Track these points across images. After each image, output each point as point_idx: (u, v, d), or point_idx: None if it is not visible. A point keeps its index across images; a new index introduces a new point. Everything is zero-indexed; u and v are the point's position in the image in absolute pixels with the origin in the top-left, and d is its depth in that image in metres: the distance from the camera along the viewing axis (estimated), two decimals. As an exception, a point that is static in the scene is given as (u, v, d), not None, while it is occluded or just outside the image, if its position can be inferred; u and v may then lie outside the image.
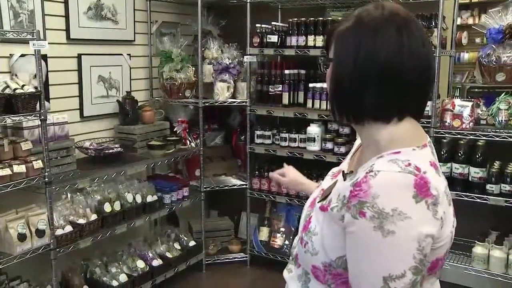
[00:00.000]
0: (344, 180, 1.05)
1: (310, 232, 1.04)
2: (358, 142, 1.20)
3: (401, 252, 0.88)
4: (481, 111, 2.85)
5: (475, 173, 2.79)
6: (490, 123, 2.80)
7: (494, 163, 2.81)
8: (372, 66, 0.94)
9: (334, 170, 1.23)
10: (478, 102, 2.86)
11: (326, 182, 1.18)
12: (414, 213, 0.88)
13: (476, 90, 2.95)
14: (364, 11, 0.98)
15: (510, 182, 2.72)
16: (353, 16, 0.99)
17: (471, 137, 2.77)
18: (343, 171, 1.08)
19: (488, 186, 2.76)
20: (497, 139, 2.68)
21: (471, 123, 2.77)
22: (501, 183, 2.74)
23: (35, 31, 2.37)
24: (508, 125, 2.73)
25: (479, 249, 2.86)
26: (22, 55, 2.66)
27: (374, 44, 0.94)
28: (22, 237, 2.38)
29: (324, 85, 3.25)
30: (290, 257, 1.19)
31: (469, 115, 2.76)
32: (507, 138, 2.66)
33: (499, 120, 2.75)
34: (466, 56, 4.62)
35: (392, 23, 0.95)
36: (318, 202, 1.07)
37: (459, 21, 3.71)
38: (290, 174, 1.57)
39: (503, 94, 2.79)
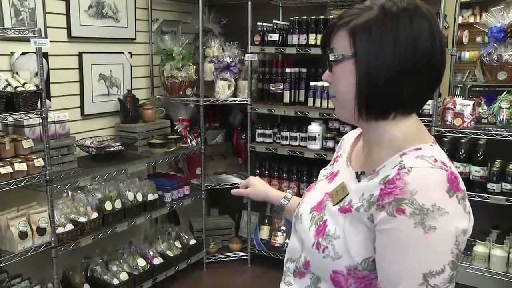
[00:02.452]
0: (359, 181, 1.02)
1: (329, 236, 1.00)
2: (347, 144, 1.18)
3: (441, 248, 0.88)
4: (482, 109, 2.85)
5: (476, 172, 2.78)
6: (491, 122, 2.80)
7: (495, 162, 2.81)
8: (412, 56, 0.93)
9: (324, 172, 1.21)
10: (479, 101, 2.86)
11: (322, 185, 1.15)
12: (450, 208, 0.89)
13: (477, 88, 2.95)
14: (387, 2, 0.95)
15: (511, 181, 2.71)
16: (374, 8, 0.95)
17: (472, 135, 2.77)
18: (356, 172, 1.05)
19: (489, 185, 2.76)
20: (498, 137, 2.68)
21: (472, 122, 2.76)
22: (502, 182, 2.74)
23: (36, 29, 2.37)
24: (509, 124, 2.73)
25: (480, 248, 2.85)
26: (23, 53, 2.66)
27: (412, 34, 0.93)
28: (23, 235, 2.38)
29: (326, 83, 3.25)
30: (285, 270, 1.15)
31: (470, 114, 2.75)
32: (508, 137, 2.66)
33: (500, 119, 2.75)
34: (467, 54, 4.61)
35: (421, 14, 0.95)
36: (334, 205, 1.03)
37: (460, 20, 3.70)
38: (255, 185, 1.48)
39: (504, 92, 2.79)
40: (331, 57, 0.99)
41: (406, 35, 0.93)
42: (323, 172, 1.23)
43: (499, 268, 2.80)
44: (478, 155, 2.79)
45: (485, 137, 2.73)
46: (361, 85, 0.96)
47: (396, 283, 0.90)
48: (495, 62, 2.76)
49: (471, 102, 2.77)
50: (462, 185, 0.92)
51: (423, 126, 1.03)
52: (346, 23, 0.96)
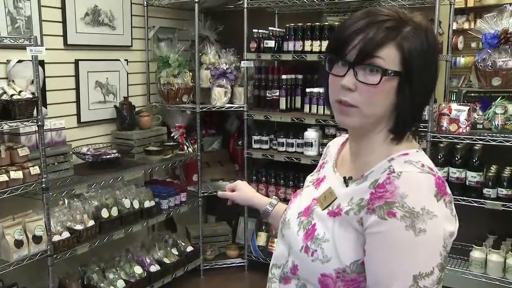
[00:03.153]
0: (347, 185, 1.04)
1: (318, 240, 1.01)
2: (333, 150, 1.20)
3: (431, 250, 0.91)
4: (478, 115, 2.86)
5: (472, 177, 2.79)
6: (487, 127, 2.81)
7: (491, 167, 2.82)
8: (436, 75, 1.01)
9: (311, 179, 1.22)
10: (475, 107, 2.87)
11: (309, 191, 1.16)
12: (439, 211, 0.91)
13: (472, 94, 2.96)
14: (427, 27, 0.99)
15: (506, 186, 2.72)
16: (420, 30, 0.97)
17: (468, 141, 2.78)
18: (344, 177, 1.07)
19: (485, 190, 2.77)
20: (494, 143, 2.69)
21: (467, 127, 2.78)
22: (498, 187, 2.75)
23: (32, 37, 2.37)
24: (504, 129, 2.74)
25: (476, 253, 2.86)
26: (19, 61, 2.66)
27: (436, 51, 1.02)
28: (19, 244, 2.37)
29: (322, 90, 3.26)
30: (270, 276, 1.15)
31: (466, 120, 2.77)
32: (503, 142, 2.67)
33: (495, 124, 2.76)
34: (462, 60, 4.64)
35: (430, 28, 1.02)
36: (323, 210, 1.05)
37: (454, 26, 3.73)
38: (241, 189, 1.48)
39: (499, 98, 2.80)
40: (375, 69, 0.95)
41: (436, 64, 1.02)
42: (309, 178, 1.24)
43: (495, 273, 2.80)
44: (474, 160, 2.80)
45: (481, 142, 2.74)
46: (416, 104, 1.00)
47: (386, 285, 0.91)
48: (490, 68, 2.77)
49: (467, 108, 2.78)
50: (449, 190, 0.96)
51: (409, 133, 1.06)
52: (393, 37, 0.95)
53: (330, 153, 1.21)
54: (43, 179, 2.45)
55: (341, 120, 1.02)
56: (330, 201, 1.05)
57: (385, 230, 0.91)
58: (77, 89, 3.10)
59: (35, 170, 2.41)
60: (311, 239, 1.03)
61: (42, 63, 2.76)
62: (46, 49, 2.45)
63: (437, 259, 0.91)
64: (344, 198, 1.02)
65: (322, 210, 1.05)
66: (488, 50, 2.80)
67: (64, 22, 2.96)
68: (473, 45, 4.54)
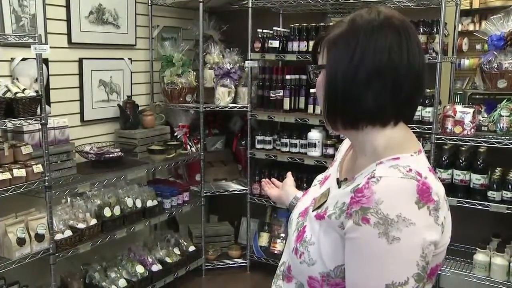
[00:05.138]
0: (339, 187, 1.03)
1: (305, 242, 1.01)
2: (344, 148, 1.19)
3: (405, 259, 0.87)
4: (483, 117, 2.84)
5: (477, 179, 2.78)
6: (492, 130, 2.79)
7: (496, 170, 2.80)
8: (368, 69, 0.93)
9: (319, 177, 1.22)
10: (480, 109, 2.86)
11: (314, 190, 1.16)
12: (418, 219, 0.87)
13: (477, 96, 2.94)
14: (357, 16, 0.97)
15: (511, 189, 2.71)
16: (346, 21, 0.98)
17: (473, 143, 2.76)
18: (337, 179, 1.06)
19: (489, 193, 2.75)
20: (499, 145, 2.67)
21: (472, 130, 2.76)
22: (502, 190, 2.73)
23: (36, 35, 2.38)
24: (510, 132, 2.72)
25: (480, 256, 2.84)
26: (24, 59, 2.66)
27: (370, 47, 0.93)
28: (21, 242, 2.37)
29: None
30: (277, 273, 1.15)
31: (471, 122, 2.75)
32: (508, 145, 2.65)
33: (500, 127, 2.74)
34: (466, 62, 4.61)
35: (388, 26, 0.95)
36: (312, 211, 1.05)
37: (460, 28, 3.70)
38: (287, 190, 1.51)
39: (504, 100, 2.78)
40: (310, 68, 1.06)
41: (363, 47, 0.94)
42: (318, 177, 1.24)
43: (499, 276, 2.78)
44: (479, 163, 2.78)
45: (486, 145, 2.73)
46: (327, 95, 0.99)
47: None
48: (495, 70, 2.76)
49: (471, 110, 2.77)
50: (436, 196, 0.90)
51: (411, 136, 1.02)
52: (325, 35, 1.01)
53: (341, 152, 1.20)
54: (46, 178, 2.45)
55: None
56: (321, 203, 1.04)
57: (358, 237, 0.89)
58: (81, 87, 3.09)
59: (38, 168, 2.41)
60: (300, 241, 1.03)
61: (46, 61, 2.76)
62: (50, 47, 2.44)
63: (413, 269, 0.87)
64: (331, 201, 1.01)
65: (312, 211, 1.05)
66: (494, 52, 2.78)
67: (68, 20, 2.96)
68: (478, 47, 4.51)
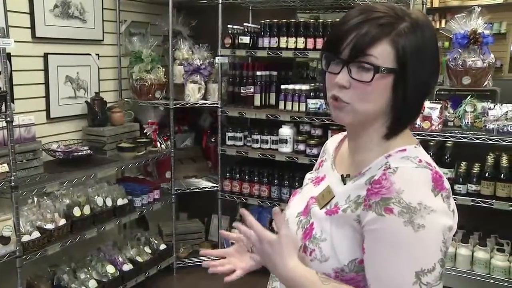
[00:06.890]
0: (344, 183, 1.04)
1: (316, 239, 1.01)
2: (331, 148, 1.20)
3: (431, 246, 0.90)
4: (449, 113, 2.93)
5: (444, 173, 2.83)
6: (457, 125, 2.89)
7: (461, 164, 2.90)
8: (436, 80, 1.02)
9: (311, 176, 1.22)
10: (446, 105, 2.94)
11: (309, 189, 1.16)
12: (436, 206, 0.91)
13: (443, 92, 3.03)
14: (400, 10, 0.97)
15: (475, 182, 2.80)
16: (403, 18, 0.96)
17: (441, 138, 2.84)
18: (342, 175, 1.07)
19: (456, 186, 2.84)
20: (464, 140, 2.77)
21: (440, 125, 2.84)
22: (467, 183, 2.83)
23: None
24: (474, 127, 2.82)
25: (447, 248, 2.93)
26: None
27: (434, 47, 1.00)
28: (-14, 245, 2.27)
29: (296, 86, 3.27)
30: (273, 275, 1.14)
31: (438, 117, 2.83)
32: (473, 140, 2.74)
33: (465, 122, 2.84)
34: (431, 59, 4.75)
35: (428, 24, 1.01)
36: (321, 209, 1.05)
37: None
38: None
39: (469, 97, 2.88)
40: (367, 66, 0.94)
41: (434, 54, 1.00)
42: (308, 176, 1.24)
43: (464, 266, 2.88)
44: (446, 157, 2.87)
45: (452, 139, 2.81)
46: (400, 100, 0.97)
47: (388, 283, 0.90)
48: (460, 67, 2.85)
49: (439, 106, 2.84)
50: (447, 184, 0.95)
51: (407, 129, 1.06)
52: (386, 33, 0.95)
53: (328, 151, 1.21)
54: (12, 177, 2.35)
55: (336, 116, 1.02)
56: (328, 199, 1.05)
57: (383, 227, 0.90)
58: (46, 83, 2.99)
59: (3, 168, 2.31)
60: (309, 238, 1.03)
61: (8, 56, 2.64)
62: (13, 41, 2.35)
63: (438, 255, 0.90)
64: (341, 196, 1.02)
65: (320, 209, 1.05)
66: (459, 50, 2.87)
67: (32, 13, 2.85)
68: (439, 44, 4.65)
